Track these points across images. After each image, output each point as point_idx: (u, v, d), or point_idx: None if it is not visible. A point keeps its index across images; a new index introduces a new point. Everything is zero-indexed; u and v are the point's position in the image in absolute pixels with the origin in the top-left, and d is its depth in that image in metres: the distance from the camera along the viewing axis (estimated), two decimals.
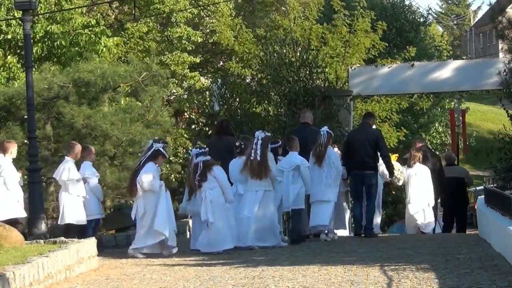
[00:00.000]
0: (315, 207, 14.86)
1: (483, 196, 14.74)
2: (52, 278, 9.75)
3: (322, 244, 14.16)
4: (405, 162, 17.67)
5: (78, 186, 14.16)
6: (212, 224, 13.17)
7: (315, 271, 10.26)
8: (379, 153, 15.75)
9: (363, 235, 15.46)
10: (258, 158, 13.73)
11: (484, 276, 9.18)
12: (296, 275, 9.94)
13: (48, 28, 20.85)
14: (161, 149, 13.40)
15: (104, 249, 14.32)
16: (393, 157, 18.64)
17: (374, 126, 17.02)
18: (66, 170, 14.09)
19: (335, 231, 15.52)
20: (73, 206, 14.09)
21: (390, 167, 16.05)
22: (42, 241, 11.86)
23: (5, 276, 8.27)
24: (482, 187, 17.39)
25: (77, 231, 13.92)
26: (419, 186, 16.87)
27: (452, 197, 17.44)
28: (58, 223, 14.45)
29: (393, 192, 26.31)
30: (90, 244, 11.61)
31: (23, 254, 10.00)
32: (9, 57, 20.57)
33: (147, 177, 13.12)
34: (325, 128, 15.16)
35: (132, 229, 16.57)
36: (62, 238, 12.00)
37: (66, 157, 14.40)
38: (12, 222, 13.16)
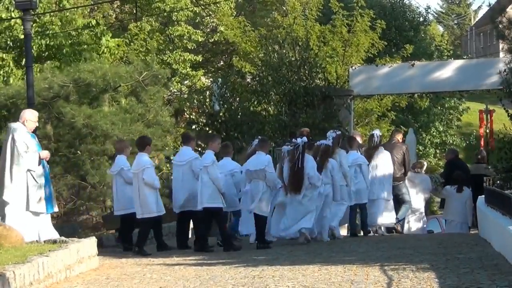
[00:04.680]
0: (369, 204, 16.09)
1: (483, 196, 14.72)
2: (52, 277, 9.75)
3: (322, 244, 14.17)
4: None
5: None
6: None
7: (315, 270, 10.26)
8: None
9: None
10: None
11: (484, 276, 9.17)
12: (296, 275, 9.94)
13: (46, 20, 20.82)
14: (305, 140, 14.16)
15: (104, 249, 14.33)
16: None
17: (400, 138, 18.07)
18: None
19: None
20: None
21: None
22: (42, 240, 11.86)
23: (5, 276, 8.26)
24: None
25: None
26: (461, 208, 17.23)
27: (476, 195, 17.32)
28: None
29: None
30: (90, 243, 11.61)
31: (23, 253, 9.99)
32: (4, 55, 20.52)
33: (316, 172, 14.09)
34: (377, 131, 16.66)
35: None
36: (62, 238, 11.99)
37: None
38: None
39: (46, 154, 13.04)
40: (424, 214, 18.50)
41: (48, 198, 12.83)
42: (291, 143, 14.75)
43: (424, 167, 18.92)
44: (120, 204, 14.54)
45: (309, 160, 14.07)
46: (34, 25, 20.63)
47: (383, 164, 16.30)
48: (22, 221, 12.42)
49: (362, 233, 15.98)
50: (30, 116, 13.13)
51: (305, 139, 14.13)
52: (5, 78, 20.21)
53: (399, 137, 17.66)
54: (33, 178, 12.66)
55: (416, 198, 17.74)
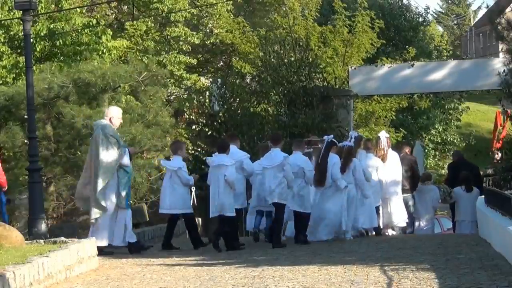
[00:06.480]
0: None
1: (483, 196, 14.74)
2: (52, 278, 9.74)
3: (322, 244, 14.18)
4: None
5: None
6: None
7: (315, 271, 10.26)
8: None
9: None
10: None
11: (484, 276, 9.17)
12: (296, 275, 9.94)
13: (51, 26, 20.88)
14: (333, 139, 14.59)
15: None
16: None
17: (408, 151, 18.38)
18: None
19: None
20: None
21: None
22: (42, 241, 11.85)
23: (5, 276, 8.26)
24: None
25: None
26: (470, 207, 17.29)
27: None
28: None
29: None
30: (90, 244, 11.61)
31: (23, 254, 9.98)
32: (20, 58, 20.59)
33: (338, 170, 14.43)
34: (383, 133, 16.98)
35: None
36: (62, 238, 11.98)
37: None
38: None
39: (133, 149, 13.31)
40: (433, 223, 18.72)
41: (129, 194, 13.39)
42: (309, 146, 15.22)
43: (432, 180, 19.19)
44: (173, 204, 14.41)
45: (333, 158, 14.41)
46: (39, 28, 20.64)
47: (393, 164, 16.57)
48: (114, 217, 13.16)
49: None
50: (116, 113, 13.45)
51: (332, 136, 14.68)
52: (14, 79, 20.26)
53: (407, 150, 18.04)
54: (124, 174, 13.11)
55: (426, 208, 17.96)
